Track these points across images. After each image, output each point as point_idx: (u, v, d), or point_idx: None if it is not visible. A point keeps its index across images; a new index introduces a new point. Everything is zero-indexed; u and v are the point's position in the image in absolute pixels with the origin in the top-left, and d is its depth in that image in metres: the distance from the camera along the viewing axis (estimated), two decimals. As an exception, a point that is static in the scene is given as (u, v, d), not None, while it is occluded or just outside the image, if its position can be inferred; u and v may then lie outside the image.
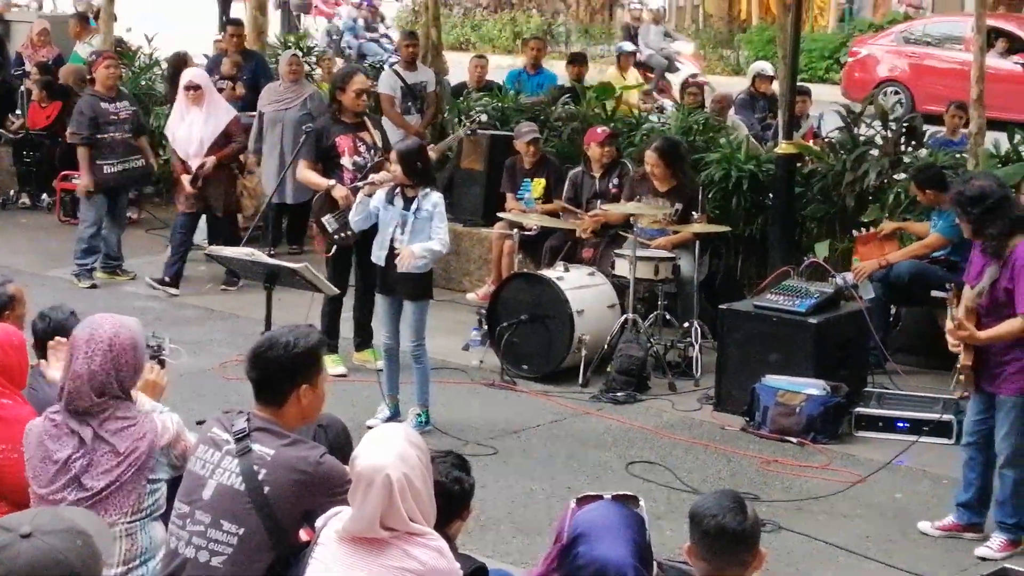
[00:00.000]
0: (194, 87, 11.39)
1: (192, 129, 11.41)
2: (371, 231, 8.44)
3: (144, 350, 4.89)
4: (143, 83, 14.60)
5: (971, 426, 7.03)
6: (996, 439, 6.83)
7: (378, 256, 8.27)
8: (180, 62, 12.53)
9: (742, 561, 3.93)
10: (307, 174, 9.56)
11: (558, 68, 16.16)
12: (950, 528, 7.11)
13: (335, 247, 9.37)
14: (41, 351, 5.77)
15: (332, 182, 9.32)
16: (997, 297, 6.68)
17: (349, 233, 9.12)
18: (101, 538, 2.89)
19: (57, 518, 2.85)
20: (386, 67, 13.75)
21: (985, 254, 6.78)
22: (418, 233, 8.10)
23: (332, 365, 8.76)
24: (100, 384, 4.66)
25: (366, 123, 9.53)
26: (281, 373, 4.50)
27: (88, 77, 12.89)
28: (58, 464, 4.64)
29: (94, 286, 11.60)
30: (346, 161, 9.38)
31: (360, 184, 8.65)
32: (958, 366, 6.91)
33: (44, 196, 14.57)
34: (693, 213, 10.02)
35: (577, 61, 14.97)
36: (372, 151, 9.43)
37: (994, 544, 6.89)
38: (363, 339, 9.62)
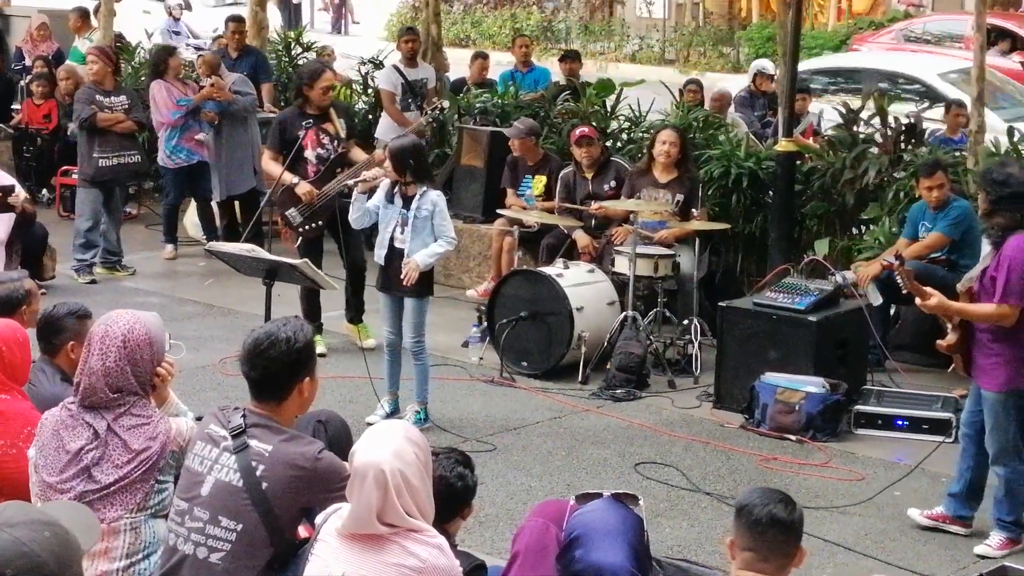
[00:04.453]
0: None
1: None
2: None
3: (162, 345, 4.86)
4: (142, 78, 14.54)
5: (966, 417, 7.05)
6: (985, 435, 6.85)
7: (379, 255, 8.28)
8: (164, 55, 12.46)
9: (788, 552, 4.04)
10: (269, 165, 9.82)
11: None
12: (937, 518, 7.12)
13: (300, 239, 9.69)
14: (44, 347, 5.77)
15: (296, 179, 9.51)
16: (984, 283, 6.70)
17: (313, 225, 9.59)
18: (83, 528, 2.85)
19: (24, 510, 2.80)
20: (387, 64, 13.74)
21: (989, 241, 6.85)
22: (419, 232, 8.11)
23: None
24: (115, 381, 4.67)
25: (330, 114, 9.70)
26: (285, 370, 4.48)
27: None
28: (70, 454, 4.65)
29: (93, 281, 11.59)
30: (309, 154, 9.63)
31: (350, 182, 8.74)
32: (939, 342, 6.94)
33: (44, 191, 14.58)
34: (693, 210, 10.02)
35: (570, 57, 14.95)
36: (335, 142, 9.66)
37: (993, 542, 6.89)
38: (355, 313, 9.82)
